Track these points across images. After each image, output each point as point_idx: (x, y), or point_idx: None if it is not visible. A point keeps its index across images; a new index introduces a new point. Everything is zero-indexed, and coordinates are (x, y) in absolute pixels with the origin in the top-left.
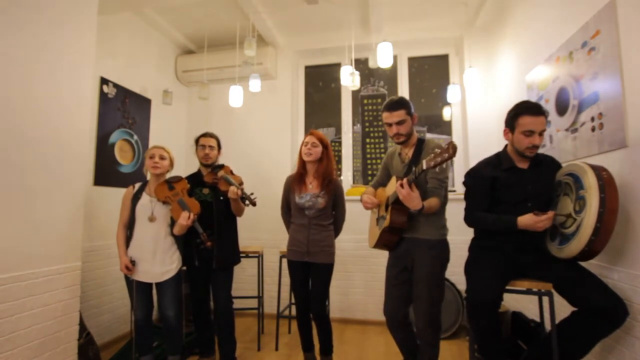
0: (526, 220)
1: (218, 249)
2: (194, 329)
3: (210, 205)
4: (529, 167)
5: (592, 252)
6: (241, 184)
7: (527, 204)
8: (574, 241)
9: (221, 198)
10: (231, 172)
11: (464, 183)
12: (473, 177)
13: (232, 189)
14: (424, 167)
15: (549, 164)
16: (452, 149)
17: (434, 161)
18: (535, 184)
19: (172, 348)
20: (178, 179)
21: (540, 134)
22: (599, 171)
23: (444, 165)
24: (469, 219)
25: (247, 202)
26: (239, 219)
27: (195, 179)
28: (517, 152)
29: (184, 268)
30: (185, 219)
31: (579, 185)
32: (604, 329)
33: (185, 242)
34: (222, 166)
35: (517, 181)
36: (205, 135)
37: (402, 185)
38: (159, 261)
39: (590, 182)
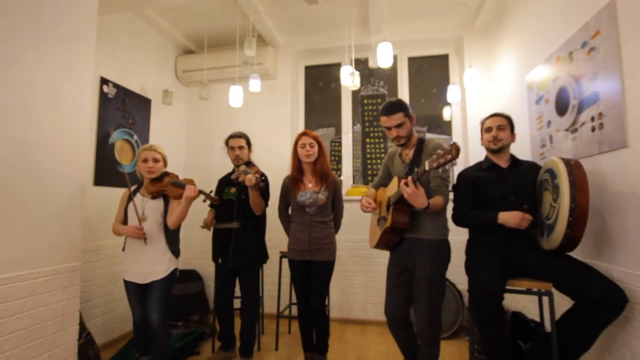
0: (509, 216)
1: (234, 249)
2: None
3: (234, 204)
4: (508, 166)
5: (574, 237)
6: (257, 172)
7: (510, 198)
8: (557, 228)
9: (242, 197)
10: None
11: (453, 186)
12: (459, 179)
13: (249, 176)
14: (427, 168)
15: (530, 166)
16: (455, 150)
17: (436, 162)
18: (515, 180)
19: (156, 356)
20: (164, 174)
21: (499, 128)
22: (568, 160)
23: (447, 167)
24: (455, 218)
25: (257, 187)
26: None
27: (226, 179)
28: (487, 150)
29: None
30: (191, 191)
31: (553, 175)
32: (605, 318)
33: (214, 240)
34: (247, 163)
35: (497, 178)
36: (233, 136)
37: (406, 184)
38: (148, 262)
39: (560, 170)
